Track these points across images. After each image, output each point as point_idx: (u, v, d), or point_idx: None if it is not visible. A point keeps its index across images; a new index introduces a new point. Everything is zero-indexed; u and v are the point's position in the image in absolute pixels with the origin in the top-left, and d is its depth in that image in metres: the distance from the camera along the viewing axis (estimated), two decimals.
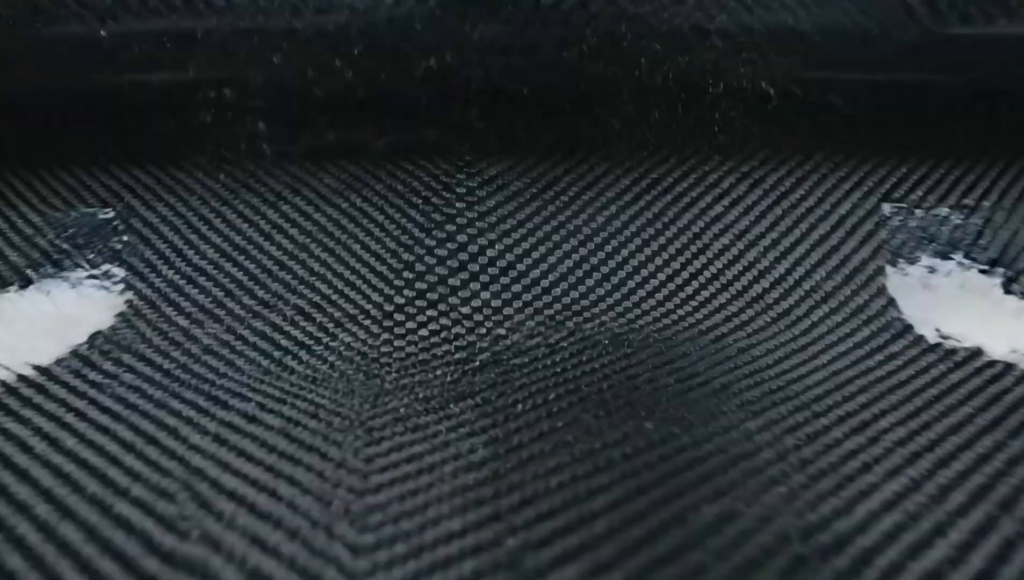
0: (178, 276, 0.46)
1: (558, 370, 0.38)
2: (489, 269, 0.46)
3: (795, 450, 0.31)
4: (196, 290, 0.45)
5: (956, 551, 0.26)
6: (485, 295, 0.44)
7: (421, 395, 0.36)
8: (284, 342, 0.42)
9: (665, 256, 0.47)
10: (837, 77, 0.52)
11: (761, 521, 0.27)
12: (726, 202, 0.50)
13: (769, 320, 0.44)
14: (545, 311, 0.44)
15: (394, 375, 0.38)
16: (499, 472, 0.29)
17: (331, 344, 0.41)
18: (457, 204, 0.49)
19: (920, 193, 0.51)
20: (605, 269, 0.46)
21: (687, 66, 0.50)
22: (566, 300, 0.45)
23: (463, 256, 0.46)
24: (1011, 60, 0.52)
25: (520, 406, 0.34)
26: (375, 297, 0.45)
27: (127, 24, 0.49)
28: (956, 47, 0.51)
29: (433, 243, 0.47)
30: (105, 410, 0.35)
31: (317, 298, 0.45)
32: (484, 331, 0.42)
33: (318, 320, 0.43)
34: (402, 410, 0.34)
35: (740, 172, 0.51)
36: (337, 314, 0.44)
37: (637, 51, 0.50)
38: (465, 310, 0.44)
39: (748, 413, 0.34)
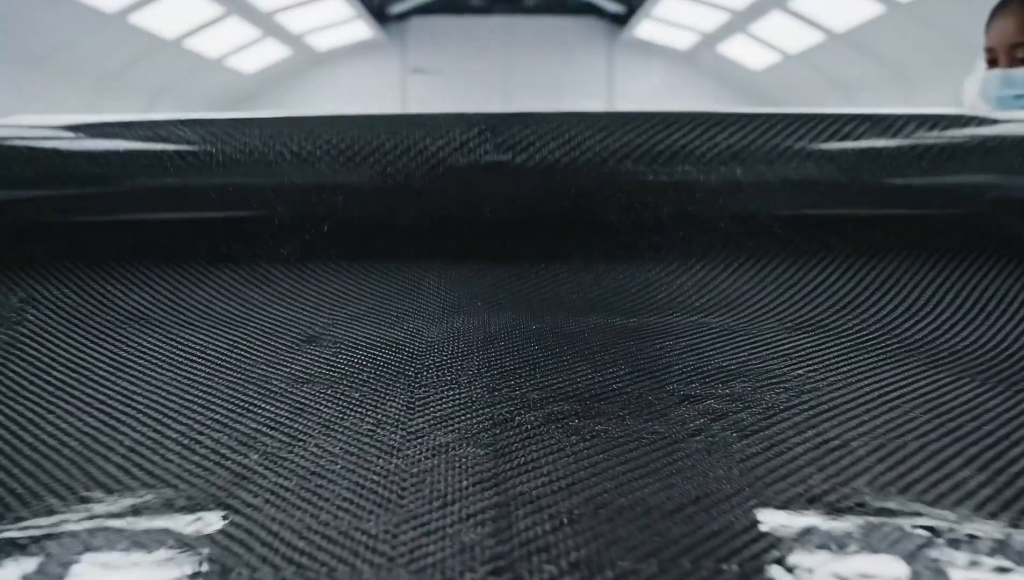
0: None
1: (537, 392, 0.53)
2: (481, 348, 0.62)
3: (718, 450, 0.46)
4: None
5: None
6: (478, 363, 0.59)
7: (441, 412, 0.51)
8: (339, 400, 0.55)
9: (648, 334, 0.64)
10: (798, 212, 0.71)
11: (678, 493, 0.42)
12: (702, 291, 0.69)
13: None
14: (530, 362, 0.59)
15: (421, 397, 0.53)
16: (498, 457, 0.45)
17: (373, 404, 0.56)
18: (446, 309, 0.66)
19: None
20: (592, 359, 0.61)
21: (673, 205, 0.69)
22: (545, 365, 0.60)
23: (458, 336, 0.63)
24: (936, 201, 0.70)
25: (513, 418, 0.50)
26: (393, 372, 0.59)
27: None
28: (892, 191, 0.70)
29: (432, 338, 0.63)
30: (228, 426, 0.50)
31: (349, 370, 0.60)
32: (482, 387, 0.57)
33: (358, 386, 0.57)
34: (431, 407, 0.50)
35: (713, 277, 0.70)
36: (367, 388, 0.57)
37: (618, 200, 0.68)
38: (465, 376, 0.58)
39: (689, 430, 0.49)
